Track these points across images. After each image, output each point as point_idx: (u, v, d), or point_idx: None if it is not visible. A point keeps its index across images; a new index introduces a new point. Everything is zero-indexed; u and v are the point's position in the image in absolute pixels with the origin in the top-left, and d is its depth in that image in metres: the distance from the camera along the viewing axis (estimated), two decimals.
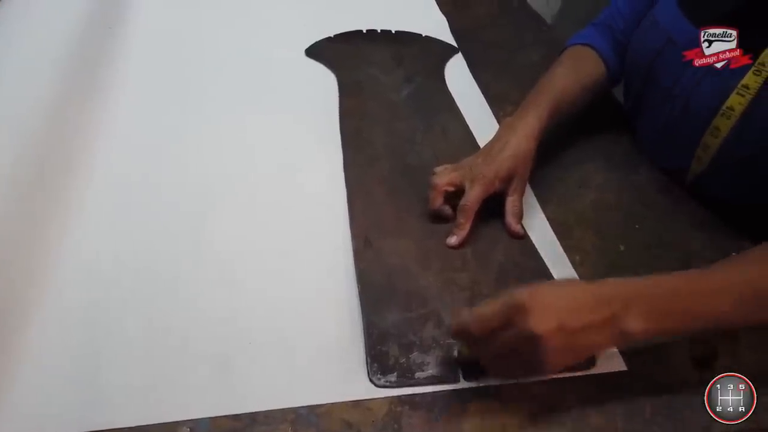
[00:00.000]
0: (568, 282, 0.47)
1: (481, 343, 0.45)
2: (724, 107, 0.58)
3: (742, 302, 0.45)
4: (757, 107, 0.56)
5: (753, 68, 0.56)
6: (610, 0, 0.76)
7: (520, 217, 0.62)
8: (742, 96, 0.57)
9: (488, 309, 0.44)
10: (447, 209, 0.61)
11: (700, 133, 0.61)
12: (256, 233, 0.60)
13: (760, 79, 0.56)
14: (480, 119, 0.77)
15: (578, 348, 0.44)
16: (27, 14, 0.85)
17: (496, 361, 0.46)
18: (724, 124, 0.59)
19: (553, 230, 0.62)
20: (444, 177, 0.61)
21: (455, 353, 0.50)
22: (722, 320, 0.46)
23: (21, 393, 0.46)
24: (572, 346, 0.43)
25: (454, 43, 0.92)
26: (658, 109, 0.67)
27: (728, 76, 0.58)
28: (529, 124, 0.63)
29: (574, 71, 0.70)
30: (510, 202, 0.61)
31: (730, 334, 0.53)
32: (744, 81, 0.57)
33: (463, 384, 0.48)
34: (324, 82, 0.82)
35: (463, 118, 0.77)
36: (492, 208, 0.62)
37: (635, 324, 0.43)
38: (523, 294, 0.43)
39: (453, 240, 0.60)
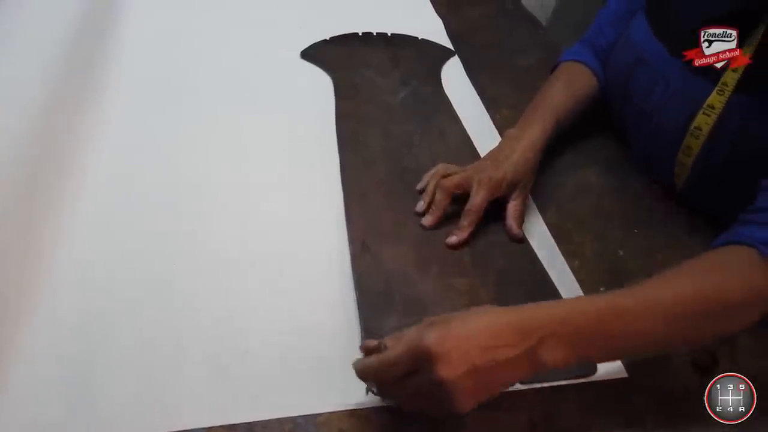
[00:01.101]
0: (483, 314, 0.43)
1: (388, 387, 0.44)
2: (692, 127, 0.59)
3: (671, 322, 0.43)
4: (722, 126, 0.57)
5: (717, 88, 0.56)
6: (601, 6, 0.76)
7: (521, 221, 0.62)
8: (708, 116, 0.57)
9: (393, 355, 0.41)
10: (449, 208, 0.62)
11: (675, 151, 0.61)
12: (251, 238, 0.60)
13: (723, 99, 0.56)
14: (477, 122, 0.77)
15: (492, 385, 0.41)
16: (18, 16, 0.84)
17: (406, 401, 0.44)
18: (694, 143, 0.59)
19: (552, 235, 0.62)
20: (452, 179, 0.61)
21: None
22: (651, 342, 0.44)
23: (12, 401, 0.45)
24: (485, 384, 0.41)
25: (450, 46, 0.91)
26: (636, 127, 0.68)
27: (693, 95, 0.58)
28: (534, 135, 0.64)
29: (571, 86, 0.71)
30: (512, 206, 0.61)
31: (730, 341, 0.53)
32: (709, 101, 0.57)
33: None
34: (320, 85, 0.82)
35: (460, 121, 0.76)
36: (491, 212, 0.61)
37: (553, 354, 0.41)
38: (429, 340, 0.40)
39: (453, 239, 0.59)
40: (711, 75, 0.57)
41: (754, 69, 0.54)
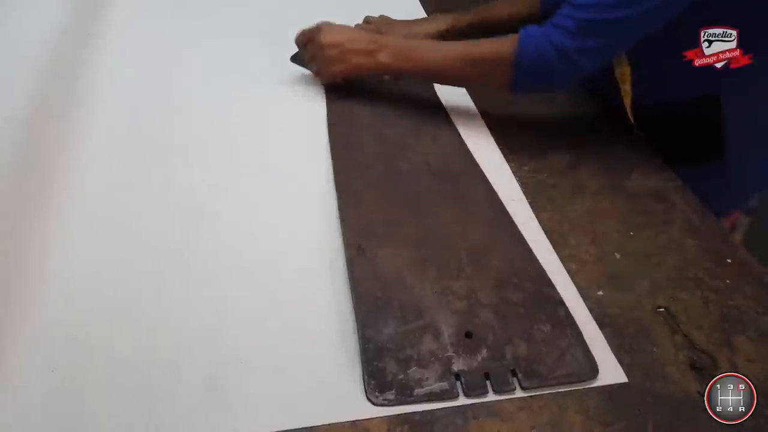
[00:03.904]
0: (358, 29, 0.84)
1: (303, 49, 0.79)
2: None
3: (459, 61, 0.71)
4: None
5: None
6: None
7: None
8: None
9: (306, 29, 0.77)
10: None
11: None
12: (244, 245, 0.59)
13: None
14: (469, 123, 0.76)
15: (348, 61, 0.74)
16: (2, 20, 0.82)
17: (310, 59, 0.78)
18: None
19: (548, 238, 0.61)
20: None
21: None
22: (438, 68, 0.73)
23: (1, 415, 0.44)
24: (344, 58, 0.74)
25: None
26: None
27: None
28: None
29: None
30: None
31: (729, 344, 0.52)
32: None
33: (463, 401, 0.47)
34: (310, 89, 0.81)
35: (453, 122, 0.76)
36: (488, 214, 0.60)
37: (385, 57, 0.72)
38: (323, 23, 0.76)
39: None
40: None
41: None
